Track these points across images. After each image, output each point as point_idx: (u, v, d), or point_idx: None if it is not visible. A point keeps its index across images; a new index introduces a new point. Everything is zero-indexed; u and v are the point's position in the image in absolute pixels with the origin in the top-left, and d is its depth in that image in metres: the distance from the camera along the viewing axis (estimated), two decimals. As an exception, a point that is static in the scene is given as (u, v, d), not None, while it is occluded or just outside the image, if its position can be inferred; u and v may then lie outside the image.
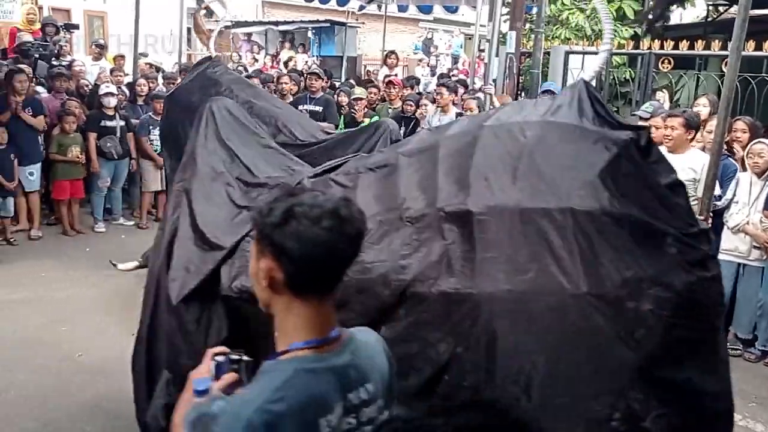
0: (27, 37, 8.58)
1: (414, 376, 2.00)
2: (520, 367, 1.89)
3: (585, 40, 9.55)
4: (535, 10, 10.03)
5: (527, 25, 9.95)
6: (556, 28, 10.46)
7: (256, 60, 13.42)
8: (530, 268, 1.92)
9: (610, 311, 1.84)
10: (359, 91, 7.51)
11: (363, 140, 4.22)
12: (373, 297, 2.09)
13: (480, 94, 6.73)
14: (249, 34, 17.08)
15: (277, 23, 16.58)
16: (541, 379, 1.87)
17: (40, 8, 10.40)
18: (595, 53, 8.66)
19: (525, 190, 2.02)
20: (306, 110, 7.45)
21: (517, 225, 1.98)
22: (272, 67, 12.89)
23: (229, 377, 1.39)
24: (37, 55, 8.07)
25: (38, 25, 9.08)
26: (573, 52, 8.77)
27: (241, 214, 2.68)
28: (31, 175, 6.68)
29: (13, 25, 9.31)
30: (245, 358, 1.41)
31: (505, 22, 9.20)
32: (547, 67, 9.07)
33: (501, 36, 8.19)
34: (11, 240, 6.56)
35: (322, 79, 8.00)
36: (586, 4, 10.33)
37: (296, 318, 1.31)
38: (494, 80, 7.64)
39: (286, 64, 12.61)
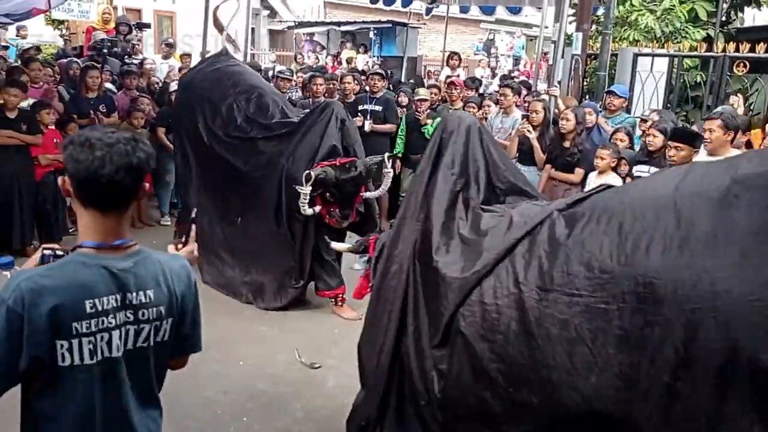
0: (101, 36, 8.92)
1: None
2: None
3: (654, 41, 9.27)
4: (602, 11, 9.81)
5: (594, 27, 9.73)
6: (624, 30, 10.19)
7: (318, 60, 13.56)
8: None
9: None
10: (423, 92, 7.48)
11: (312, 121, 5.17)
12: None
13: (545, 96, 6.61)
14: (311, 34, 17.29)
15: (339, 23, 16.73)
16: None
17: (115, 8, 10.78)
18: (666, 55, 8.42)
19: None
20: (367, 110, 7.50)
21: None
22: (332, 68, 13.00)
23: (32, 261, 1.75)
24: (110, 52, 8.36)
25: (112, 25, 9.42)
26: (642, 54, 8.53)
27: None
28: (103, 168, 6.92)
29: (90, 24, 9.69)
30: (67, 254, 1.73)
31: (571, 23, 9.01)
32: (614, 70, 8.84)
33: (567, 37, 8.04)
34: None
35: (385, 79, 8.03)
36: (656, 5, 10.02)
37: (86, 224, 1.70)
38: (559, 82, 7.49)
39: (348, 62, 12.71)
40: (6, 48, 8.97)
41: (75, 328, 1.61)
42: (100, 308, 1.64)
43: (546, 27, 8.61)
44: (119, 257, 1.71)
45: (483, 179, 2.83)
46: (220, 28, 6.10)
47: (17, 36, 9.81)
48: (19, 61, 7.63)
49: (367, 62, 13.69)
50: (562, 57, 7.62)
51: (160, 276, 1.77)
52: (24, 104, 6.01)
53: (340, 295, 5.23)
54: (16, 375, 1.59)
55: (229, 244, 5.48)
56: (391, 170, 5.40)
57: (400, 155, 7.60)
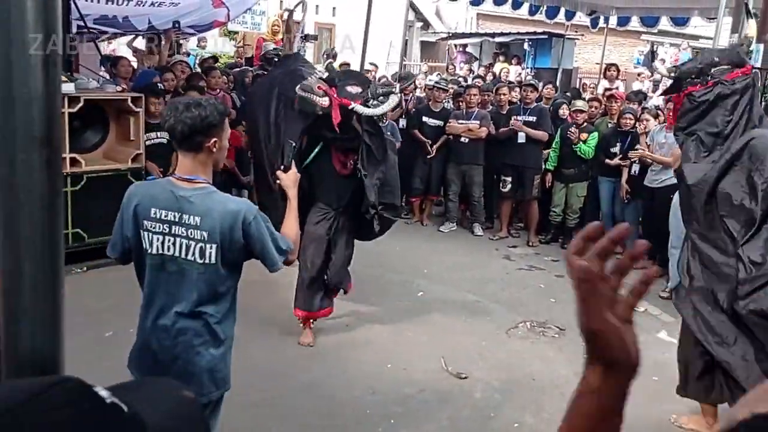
0: (270, 46, 9.52)
1: None
2: None
3: None
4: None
5: (775, 38, 8.94)
6: (811, 42, 9.27)
7: (471, 71, 13.57)
8: None
9: None
10: (580, 104, 7.28)
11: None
12: None
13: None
14: (464, 46, 17.35)
15: (493, 35, 16.65)
16: None
17: (284, 21, 11.45)
18: None
19: None
20: (520, 120, 7.42)
21: None
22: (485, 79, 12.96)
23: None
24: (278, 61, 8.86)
25: (281, 36, 10.00)
26: (833, 69, 7.71)
27: None
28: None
29: (260, 35, 10.38)
30: None
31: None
32: (798, 85, 8.06)
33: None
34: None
35: (537, 91, 7.91)
36: None
37: (177, 162, 2.45)
38: (734, 98, 6.96)
39: (498, 76, 12.62)
40: (188, 55, 9.82)
41: (144, 224, 2.34)
42: (161, 216, 2.32)
43: (718, 38, 8.05)
44: (186, 187, 2.34)
45: None
46: (291, 29, 6.14)
47: (198, 46, 10.72)
48: (199, 69, 8.31)
49: (520, 74, 13.50)
50: (739, 71, 7.08)
51: (212, 209, 2.31)
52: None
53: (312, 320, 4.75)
54: (121, 250, 2.44)
55: None
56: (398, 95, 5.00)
57: (552, 169, 7.45)
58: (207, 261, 2.32)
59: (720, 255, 3.23)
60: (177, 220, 2.30)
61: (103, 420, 0.60)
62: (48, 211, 0.97)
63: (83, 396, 0.61)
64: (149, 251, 2.34)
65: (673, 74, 3.81)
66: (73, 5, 5.77)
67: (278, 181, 2.93)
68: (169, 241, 2.31)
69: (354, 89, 4.26)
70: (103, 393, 0.62)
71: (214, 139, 2.34)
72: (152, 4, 7.79)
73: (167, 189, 2.34)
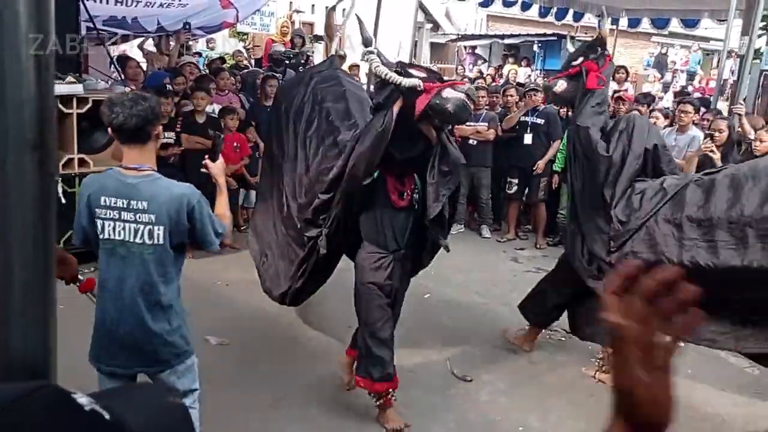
0: (279, 47, 9.54)
1: None
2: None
3: None
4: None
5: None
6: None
7: (481, 72, 13.54)
8: None
9: None
10: (588, 106, 7.23)
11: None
12: None
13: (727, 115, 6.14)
14: (474, 47, 17.32)
15: (503, 36, 16.61)
16: None
17: (293, 22, 11.52)
18: None
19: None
20: (527, 122, 7.40)
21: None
22: (494, 81, 12.93)
23: None
24: (287, 63, 8.90)
25: (289, 37, 10.04)
26: None
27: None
28: (275, 172, 7.39)
29: (269, 36, 10.40)
30: None
31: (759, 36, 8.29)
32: (810, 87, 8.01)
33: (754, 51, 7.40)
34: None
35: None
36: None
37: (121, 153, 2.68)
38: (744, 100, 6.92)
39: (507, 78, 12.59)
40: (199, 56, 9.85)
41: (96, 212, 2.58)
42: (110, 204, 2.56)
43: (729, 40, 8.00)
44: (133, 175, 2.58)
45: None
46: (331, 34, 5.52)
47: (207, 47, 10.76)
48: (207, 70, 8.34)
49: (529, 75, 13.47)
50: (749, 73, 7.03)
51: (159, 194, 2.56)
52: (209, 109, 6.56)
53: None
54: (81, 238, 2.67)
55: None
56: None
57: (559, 170, 7.41)
58: (156, 242, 2.57)
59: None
60: (125, 206, 2.55)
61: (81, 427, 0.59)
62: (40, 213, 0.97)
63: (61, 403, 0.60)
64: (101, 236, 2.59)
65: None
66: (82, 6, 5.80)
67: (204, 170, 2.98)
68: (119, 226, 2.56)
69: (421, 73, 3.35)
70: (83, 400, 0.62)
71: (159, 127, 2.65)
72: (161, 5, 7.82)
73: (116, 178, 2.59)
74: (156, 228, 2.56)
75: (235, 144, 6.67)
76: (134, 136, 2.57)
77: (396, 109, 3.26)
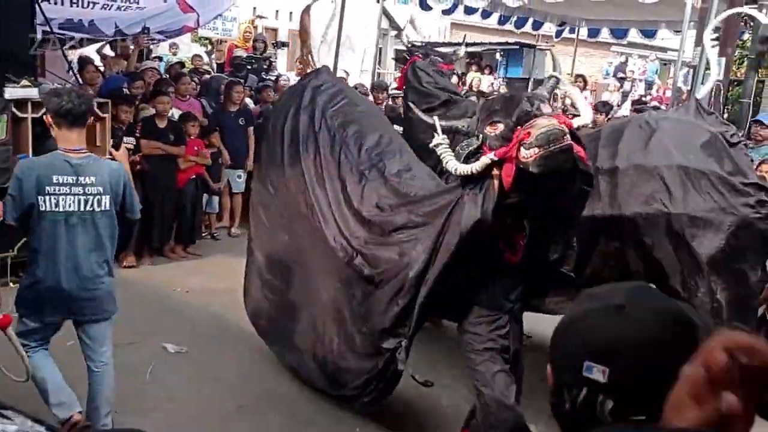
0: (240, 53, 9.48)
1: None
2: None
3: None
4: (747, 35, 9.21)
5: (738, 52, 9.17)
6: (773, 55, 9.51)
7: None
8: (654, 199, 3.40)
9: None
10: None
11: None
12: None
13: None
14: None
15: (466, 45, 16.74)
16: None
17: (255, 27, 11.42)
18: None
19: (653, 153, 3.48)
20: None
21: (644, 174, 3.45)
22: (458, 88, 13.02)
23: None
24: (249, 68, 8.85)
25: (251, 43, 9.97)
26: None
27: None
28: (239, 178, 7.34)
29: (232, 41, 10.32)
30: None
31: (713, 47, 8.53)
32: (760, 97, 8.28)
33: (707, 62, 7.61)
34: (215, 235, 7.25)
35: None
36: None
37: (59, 137, 3.12)
38: (698, 109, 7.10)
39: (471, 86, 12.70)
40: (160, 59, 9.71)
41: (46, 189, 3.01)
42: (61, 181, 3.04)
43: (683, 51, 8.21)
44: (77, 156, 3.11)
45: None
46: (305, 35, 5.10)
47: (169, 52, 10.61)
48: (168, 75, 8.23)
49: (492, 83, 13.62)
50: (703, 83, 7.22)
51: (102, 170, 3.15)
52: (168, 114, 6.48)
53: None
54: (20, 213, 3.03)
55: None
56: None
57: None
58: (104, 208, 3.15)
59: None
60: (75, 182, 3.06)
61: None
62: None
63: None
64: (51, 209, 3.03)
65: None
66: (38, 9, 5.66)
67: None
68: (70, 199, 3.06)
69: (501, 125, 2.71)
70: None
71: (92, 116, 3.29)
72: (118, 8, 7.69)
73: (61, 160, 3.08)
74: (104, 197, 3.14)
75: (196, 148, 6.61)
76: (80, 120, 3.09)
77: (493, 193, 2.77)
